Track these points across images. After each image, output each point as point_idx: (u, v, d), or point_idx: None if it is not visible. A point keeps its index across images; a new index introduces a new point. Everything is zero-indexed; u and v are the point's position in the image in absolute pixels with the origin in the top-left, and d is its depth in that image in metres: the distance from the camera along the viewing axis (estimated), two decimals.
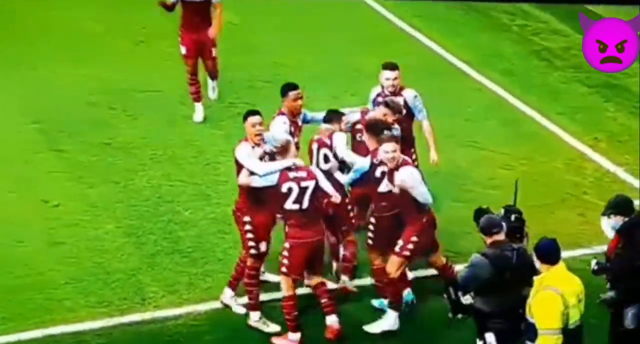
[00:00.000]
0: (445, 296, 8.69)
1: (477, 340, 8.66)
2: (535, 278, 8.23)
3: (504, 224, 8.67)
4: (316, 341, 9.78)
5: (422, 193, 9.72)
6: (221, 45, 13.18)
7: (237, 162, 9.86)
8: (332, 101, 12.72)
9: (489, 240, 8.62)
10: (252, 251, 9.92)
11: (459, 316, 8.65)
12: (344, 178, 10.23)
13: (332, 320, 9.76)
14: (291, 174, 9.67)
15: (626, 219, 8.80)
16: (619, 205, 8.88)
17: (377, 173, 9.93)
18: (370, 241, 10.08)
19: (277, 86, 10.69)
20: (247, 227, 9.88)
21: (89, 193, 11.86)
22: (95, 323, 10.00)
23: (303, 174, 9.69)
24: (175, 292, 10.40)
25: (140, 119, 13.36)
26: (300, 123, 10.57)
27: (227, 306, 10.18)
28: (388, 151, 9.71)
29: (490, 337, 8.55)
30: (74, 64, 14.54)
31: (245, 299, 10.09)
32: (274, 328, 9.92)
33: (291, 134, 10.30)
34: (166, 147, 12.63)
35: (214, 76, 13.24)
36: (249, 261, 9.96)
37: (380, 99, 10.77)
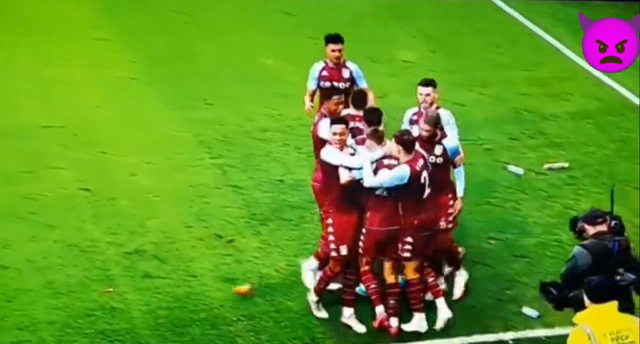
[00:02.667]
0: (543, 298, 8.85)
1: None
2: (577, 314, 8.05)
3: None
4: None
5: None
6: (396, 83, 13.09)
7: (322, 164, 10.28)
8: (509, 142, 12.54)
9: (592, 231, 8.79)
10: (333, 254, 10.20)
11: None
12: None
13: (379, 310, 10.20)
14: (385, 162, 10.13)
15: None
16: None
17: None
18: None
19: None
20: (330, 229, 10.21)
21: (261, 230, 12.01)
22: None
23: (395, 163, 10.12)
24: (343, 334, 10.39)
25: (312, 157, 13.43)
26: None
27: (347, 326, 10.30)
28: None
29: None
30: (248, 99, 14.78)
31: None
32: (362, 328, 10.26)
33: None
34: None
35: None
36: (330, 264, 10.28)
37: (416, 118, 10.86)
